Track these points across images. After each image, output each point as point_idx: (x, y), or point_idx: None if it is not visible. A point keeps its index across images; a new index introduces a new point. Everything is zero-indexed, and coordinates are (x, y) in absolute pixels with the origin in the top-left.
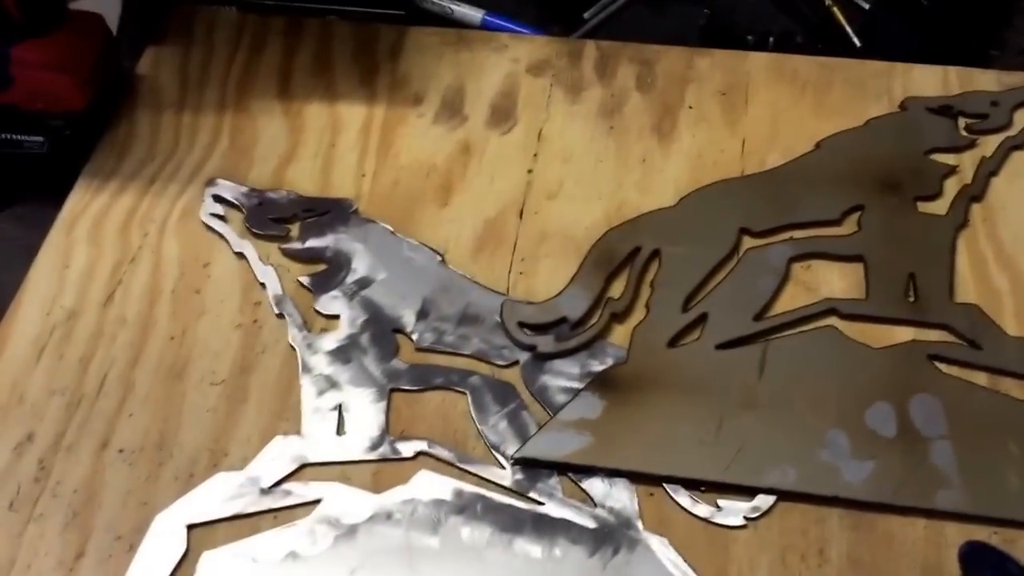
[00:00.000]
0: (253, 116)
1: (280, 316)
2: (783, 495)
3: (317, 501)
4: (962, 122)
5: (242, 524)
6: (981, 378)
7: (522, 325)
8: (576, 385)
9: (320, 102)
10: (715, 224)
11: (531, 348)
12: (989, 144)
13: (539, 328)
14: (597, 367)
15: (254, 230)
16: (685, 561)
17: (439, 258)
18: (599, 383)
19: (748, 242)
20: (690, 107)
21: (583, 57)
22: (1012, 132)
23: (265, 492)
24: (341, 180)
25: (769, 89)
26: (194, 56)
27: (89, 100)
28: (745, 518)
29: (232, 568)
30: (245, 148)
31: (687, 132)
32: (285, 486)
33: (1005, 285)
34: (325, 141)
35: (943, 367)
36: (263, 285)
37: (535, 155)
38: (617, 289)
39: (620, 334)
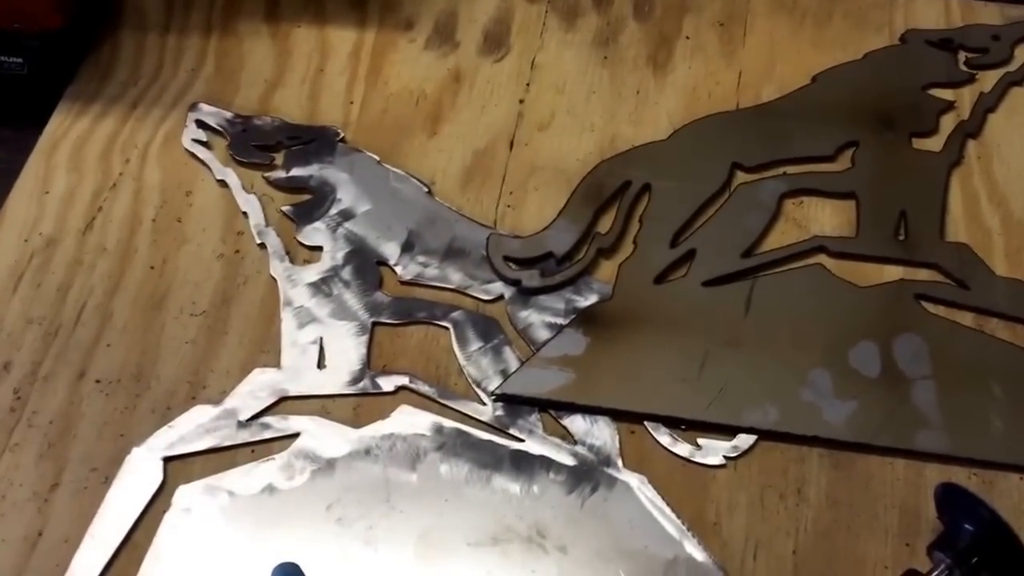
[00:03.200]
0: (240, 39)
1: (262, 246)
2: (764, 434)
3: (295, 435)
4: (962, 56)
5: (219, 457)
6: (968, 318)
7: (508, 259)
8: (560, 321)
9: (309, 25)
10: (707, 159)
11: (516, 283)
12: (988, 79)
13: (525, 262)
14: (582, 303)
15: (237, 157)
16: (664, 500)
17: (426, 189)
18: (583, 319)
19: (740, 177)
20: (687, 37)
21: None
22: (1012, 68)
23: (243, 425)
24: (328, 107)
25: (768, 19)
26: None
27: (66, 19)
28: (725, 457)
29: (208, 501)
30: (231, 72)
31: (683, 63)
32: (263, 419)
33: (996, 224)
34: (313, 66)
35: (930, 307)
36: (245, 214)
37: (527, 84)
38: (605, 224)
39: (607, 270)
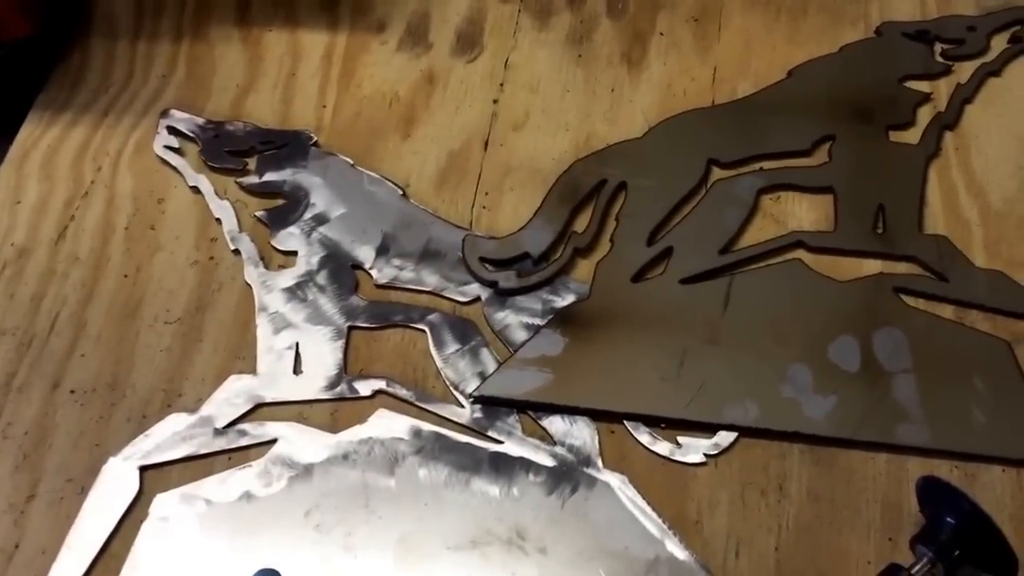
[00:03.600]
0: (210, 44)
1: (236, 252)
2: (744, 431)
3: (272, 441)
4: (938, 47)
5: (196, 465)
6: (948, 311)
7: (484, 261)
8: (538, 322)
9: (280, 29)
10: (683, 155)
11: (492, 284)
12: (965, 70)
13: (501, 263)
14: (559, 303)
15: (210, 163)
16: (644, 499)
17: (400, 192)
18: (561, 319)
19: (717, 173)
20: (661, 34)
21: None
22: (988, 58)
23: (219, 433)
24: (301, 111)
25: (742, 15)
26: None
27: (35, 27)
28: (705, 455)
29: (185, 510)
30: (202, 78)
31: (657, 60)
32: (240, 426)
33: (975, 215)
34: (285, 70)
35: (909, 300)
36: (219, 220)
37: (501, 84)
38: (582, 223)
39: (584, 269)
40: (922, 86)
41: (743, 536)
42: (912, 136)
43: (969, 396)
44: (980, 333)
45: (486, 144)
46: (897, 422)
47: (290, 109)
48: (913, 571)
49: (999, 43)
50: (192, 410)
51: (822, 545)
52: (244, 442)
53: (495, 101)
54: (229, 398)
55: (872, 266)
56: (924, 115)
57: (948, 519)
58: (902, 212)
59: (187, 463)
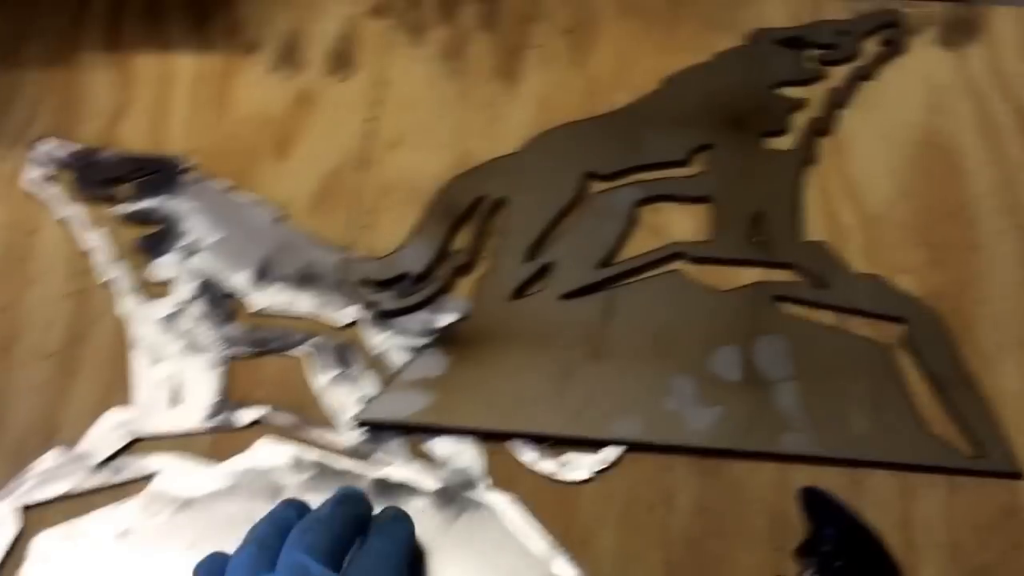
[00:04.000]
0: (80, 69)
1: (110, 283)
2: (630, 445)
3: (153, 475)
4: (811, 53)
5: (76, 503)
6: (829, 317)
7: (362, 282)
8: (419, 342)
9: (151, 52)
10: (560, 169)
11: (372, 305)
12: (838, 75)
13: (380, 285)
14: (441, 323)
15: (82, 192)
16: (532, 519)
17: (277, 216)
18: (442, 339)
19: (595, 187)
20: (536, 46)
21: None
22: (861, 62)
23: (98, 468)
24: (175, 135)
25: (616, 25)
26: (13, 6)
27: None
28: (591, 472)
29: (65, 549)
30: (72, 104)
31: (532, 74)
32: (118, 461)
33: (853, 220)
34: (157, 94)
35: (790, 307)
36: (92, 251)
37: (376, 103)
38: (461, 241)
39: (465, 287)
40: (799, 92)
41: (632, 552)
42: (788, 143)
43: (851, 402)
44: (860, 338)
45: (363, 164)
46: (781, 431)
47: (163, 134)
48: None
49: (872, 47)
50: (70, 446)
51: (711, 558)
52: (124, 476)
53: (371, 120)
54: (107, 432)
55: (751, 275)
56: (799, 121)
57: (828, 530)
58: (779, 219)
59: (67, 501)
